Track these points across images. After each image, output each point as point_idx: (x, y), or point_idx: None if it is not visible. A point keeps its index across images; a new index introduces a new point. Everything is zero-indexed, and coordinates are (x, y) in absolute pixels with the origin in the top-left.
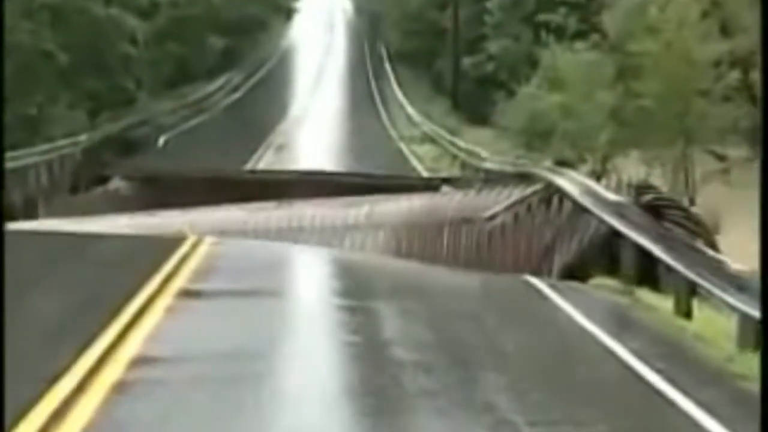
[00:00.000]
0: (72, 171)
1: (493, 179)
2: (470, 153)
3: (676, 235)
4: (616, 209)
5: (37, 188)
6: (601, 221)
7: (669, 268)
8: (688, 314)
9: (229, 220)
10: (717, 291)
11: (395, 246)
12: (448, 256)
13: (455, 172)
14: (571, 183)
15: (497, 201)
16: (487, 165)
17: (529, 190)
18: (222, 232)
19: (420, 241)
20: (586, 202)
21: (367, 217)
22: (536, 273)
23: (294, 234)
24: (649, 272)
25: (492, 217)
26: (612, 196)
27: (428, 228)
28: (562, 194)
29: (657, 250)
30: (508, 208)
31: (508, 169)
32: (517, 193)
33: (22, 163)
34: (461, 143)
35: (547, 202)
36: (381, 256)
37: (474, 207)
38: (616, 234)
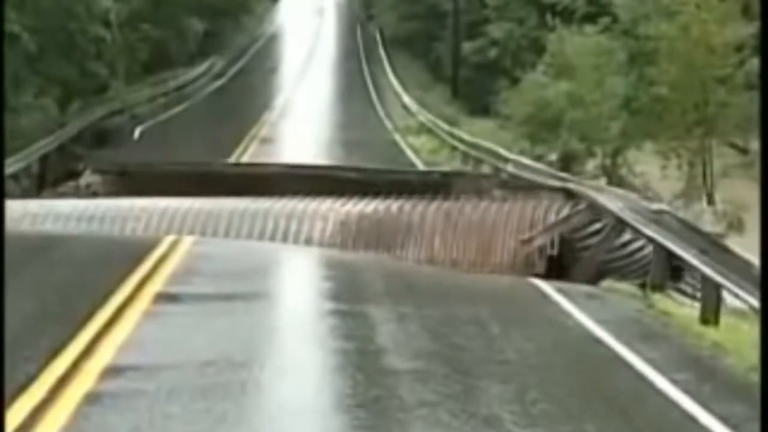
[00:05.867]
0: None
1: (516, 186)
2: (474, 146)
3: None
4: (655, 218)
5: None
6: (638, 232)
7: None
8: (714, 321)
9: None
10: (746, 295)
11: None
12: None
13: (455, 164)
14: (614, 200)
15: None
16: (511, 169)
17: (571, 209)
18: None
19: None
20: (628, 216)
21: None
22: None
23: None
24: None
25: (528, 241)
26: (653, 206)
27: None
28: (603, 210)
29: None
30: (546, 230)
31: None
32: (555, 209)
33: None
34: (465, 135)
35: (592, 223)
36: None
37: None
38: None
